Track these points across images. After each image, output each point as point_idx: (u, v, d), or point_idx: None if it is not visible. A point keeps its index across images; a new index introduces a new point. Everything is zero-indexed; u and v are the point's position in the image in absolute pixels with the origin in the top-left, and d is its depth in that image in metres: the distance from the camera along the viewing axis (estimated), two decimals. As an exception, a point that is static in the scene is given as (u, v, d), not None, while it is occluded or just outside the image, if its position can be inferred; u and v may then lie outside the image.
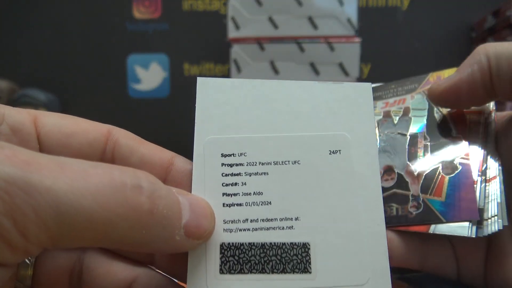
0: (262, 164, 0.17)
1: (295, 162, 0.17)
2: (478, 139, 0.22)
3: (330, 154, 0.17)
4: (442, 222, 0.21)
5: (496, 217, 0.20)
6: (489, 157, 0.22)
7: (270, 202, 0.17)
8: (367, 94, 0.18)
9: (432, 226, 0.21)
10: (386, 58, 0.81)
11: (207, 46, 0.82)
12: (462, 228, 0.20)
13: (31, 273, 0.17)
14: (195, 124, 0.17)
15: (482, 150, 0.22)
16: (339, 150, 0.18)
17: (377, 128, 0.25)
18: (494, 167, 0.21)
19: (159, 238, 0.14)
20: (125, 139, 0.18)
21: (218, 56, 0.81)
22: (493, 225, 0.20)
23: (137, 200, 0.13)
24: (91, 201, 0.12)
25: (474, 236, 0.20)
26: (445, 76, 0.25)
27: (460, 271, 0.22)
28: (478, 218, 0.20)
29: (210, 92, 0.18)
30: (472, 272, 0.22)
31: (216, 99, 0.18)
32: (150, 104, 0.83)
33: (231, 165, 0.17)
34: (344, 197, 0.17)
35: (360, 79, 0.68)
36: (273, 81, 0.18)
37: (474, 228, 0.20)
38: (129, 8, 0.83)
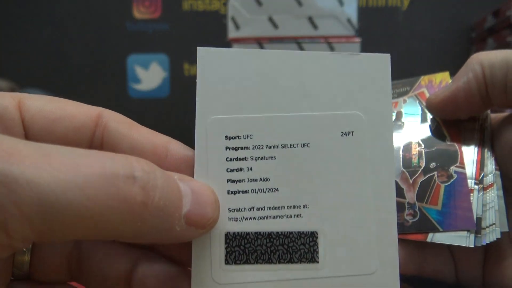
0: (269, 147, 0.16)
1: (304, 145, 0.16)
2: (474, 146, 0.22)
3: (342, 136, 0.16)
4: (438, 231, 0.21)
5: (494, 226, 0.20)
6: (486, 164, 0.22)
7: (277, 188, 0.16)
8: (385, 67, 0.17)
9: (430, 235, 0.21)
10: (386, 58, 0.81)
11: (207, 46, 0.82)
12: (460, 238, 0.20)
13: (28, 259, 0.17)
14: (197, 102, 0.16)
15: (478, 158, 0.22)
16: (352, 132, 0.16)
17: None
18: (491, 174, 0.21)
19: (156, 229, 0.13)
20: (115, 123, 0.17)
21: (218, 56, 0.81)
22: (491, 234, 0.20)
23: (129, 192, 0.12)
24: (79, 194, 0.11)
25: (472, 246, 0.20)
26: (437, 79, 0.25)
27: (459, 275, 0.22)
28: (474, 227, 0.20)
29: (212, 64, 0.16)
30: (470, 276, 0.22)
31: (219, 72, 0.16)
32: (150, 104, 0.83)
33: (236, 149, 0.16)
34: (355, 183, 0.16)
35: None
36: (282, 52, 0.17)
37: (472, 237, 0.20)
38: (129, 8, 0.83)
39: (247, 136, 0.16)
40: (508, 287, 0.20)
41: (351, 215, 0.16)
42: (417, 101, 0.25)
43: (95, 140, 0.17)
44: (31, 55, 0.83)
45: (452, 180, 0.22)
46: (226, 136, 0.16)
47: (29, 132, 0.16)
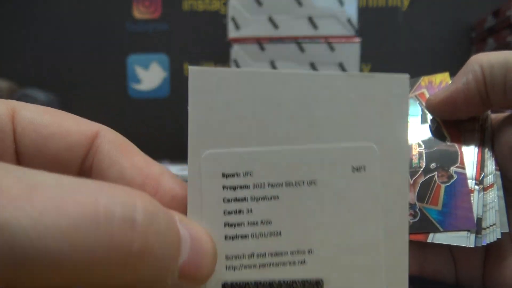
0: (272, 186, 0.14)
1: (310, 182, 0.14)
2: (474, 146, 0.22)
3: (352, 171, 0.15)
4: (439, 231, 0.21)
5: (494, 226, 0.20)
6: (486, 164, 0.22)
7: (280, 232, 0.14)
8: (402, 90, 0.15)
9: (431, 235, 0.21)
10: (386, 58, 0.81)
11: (207, 46, 0.82)
12: (460, 238, 0.20)
13: None
14: (189, 133, 0.14)
15: (479, 158, 0.22)
16: (364, 167, 0.15)
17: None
18: (491, 174, 0.21)
19: (144, 281, 0.11)
20: (109, 145, 0.15)
21: (218, 56, 0.81)
22: (491, 235, 0.20)
23: (125, 238, 0.10)
24: (60, 241, 0.09)
25: (473, 246, 0.20)
26: (437, 80, 0.25)
27: (459, 275, 0.22)
28: (475, 227, 0.20)
29: (206, 87, 0.14)
30: (470, 276, 0.22)
31: (215, 97, 0.14)
32: (150, 104, 0.83)
33: (234, 188, 0.14)
34: (365, 225, 0.15)
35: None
36: (286, 72, 0.14)
37: (473, 237, 0.20)
38: (129, 8, 0.83)
39: (247, 173, 0.14)
40: (508, 287, 0.20)
41: (360, 261, 0.15)
42: (417, 102, 0.25)
43: (86, 163, 0.15)
44: (31, 55, 0.83)
45: (452, 180, 0.22)
46: (223, 174, 0.14)
47: (20, 146, 0.15)
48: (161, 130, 0.80)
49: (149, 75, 0.83)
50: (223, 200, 0.14)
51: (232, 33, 0.65)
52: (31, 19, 0.83)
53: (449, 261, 0.22)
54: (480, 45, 0.76)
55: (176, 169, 0.60)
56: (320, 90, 0.14)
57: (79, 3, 0.83)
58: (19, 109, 0.15)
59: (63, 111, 0.16)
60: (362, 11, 0.74)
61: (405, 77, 0.15)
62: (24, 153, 0.15)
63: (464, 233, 0.20)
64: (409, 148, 0.15)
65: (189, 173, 0.14)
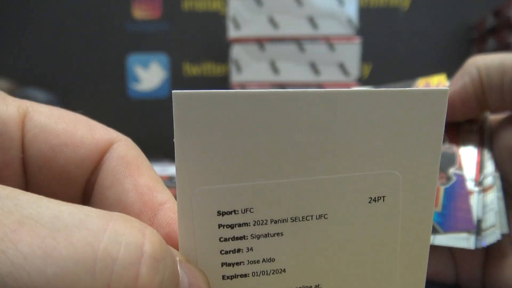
0: (275, 222, 0.12)
1: (320, 216, 0.12)
2: (473, 148, 0.22)
3: (370, 202, 0.13)
4: (439, 233, 0.21)
5: (494, 228, 0.20)
6: (485, 166, 0.22)
7: (284, 269, 0.13)
8: (440, 107, 0.12)
9: (431, 237, 0.21)
10: (386, 58, 0.81)
11: (207, 46, 0.82)
12: (460, 240, 0.20)
13: None
14: (176, 169, 0.12)
15: (478, 159, 0.22)
16: (383, 197, 0.12)
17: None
18: (491, 175, 0.21)
19: None
20: (117, 161, 0.14)
21: (218, 56, 0.81)
22: (491, 236, 0.20)
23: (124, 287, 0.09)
24: None
25: (473, 248, 0.20)
26: (434, 82, 0.25)
27: (459, 275, 0.22)
28: (474, 229, 0.20)
29: (194, 114, 0.11)
30: (471, 276, 0.22)
31: (205, 125, 0.11)
32: (150, 104, 0.83)
33: (232, 226, 0.12)
34: (380, 260, 0.13)
35: (360, 79, 0.68)
36: (289, 92, 0.12)
37: (473, 239, 0.20)
38: (129, 8, 0.83)
39: (246, 210, 0.12)
40: (508, 287, 0.20)
41: None
42: None
43: (92, 177, 0.14)
44: (31, 55, 0.83)
45: (451, 182, 0.22)
46: (218, 212, 0.12)
47: (28, 155, 0.13)
48: (161, 130, 0.80)
49: (149, 75, 0.83)
50: (220, 240, 0.12)
51: (232, 33, 0.65)
52: (31, 19, 0.83)
53: (449, 262, 0.22)
54: (480, 45, 0.76)
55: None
56: (334, 113, 0.12)
57: (79, 3, 0.82)
58: (31, 113, 0.14)
59: (77, 115, 0.15)
60: (363, 11, 0.74)
61: (444, 92, 0.12)
62: (31, 163, 0.14)
63: (464, 235, 0.20)
64: (438, 174, 0.13)
65: (179, 211, 0.12)
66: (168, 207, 0.14)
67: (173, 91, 0.11)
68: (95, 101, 0.83)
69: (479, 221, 0.20)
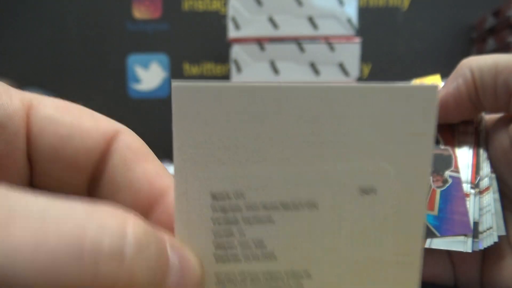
0: (267, 208, 0.13)
1: (311, 206, 0.13)
2: (469, 149, 0.22)
3: (360, 194, 0.13)
4: (436, 237, 0.21)
5: (491, 230, 0.20)
6: (481, 167, 0.21)
7: (275, 256, 0.13)
8: (430, 103, 0.13)
9: (428, 241, 0.21)
10: (386, 58, 0.81)
11: (207, 46, 0.82)
12: (457, 243, 0.20)
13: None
14: (174, 153, 0.13)
15: (474, 161, 0.22)
16: (374, 190, 0.13)
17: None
18: (487, 177, 0.21)
19: None
20: (126, 150, 0.14)
21: (218, 56, 0.81)
22: (488, 238, 0.20)
23: (111, 274, 0.09)
24: (34, 279, 0.08)
25: (470, 251, 0.20)
26: (428, 82, 0.25)
27: (457, 278, 0.22)
28: (471, 232, 0.20)
29: (194, 105, 0.13)
30: (469, 279, 0.22)
31: (203, 116, 0.13)
32: (150, 104, 0.83)
33: (225, 210, 0.13)
34: (371, 252, 0.13)
35: (360, 79, 0.68)
36: (286, 86, 0.13)
37: (470, 241, 0.20)
38: (129, 8, 0.83)
39: (239, 195, 0.13)
40: None
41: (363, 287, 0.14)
42: None
43: (99, 166, 0.15)
44: (31, 55, 0.83)
45: (447, 185, 0.21)
46: (212, 195, 0.13)
47: (34, 147, 0.14)
48: (161, 130, 0.80)
49: (149, 75, 0.83)
50: (213, 223, 0.13)
51: (232, 33, 0.65)
52: (31, 19, 0.83)
53: (447, 265, 0.22)
54: (480, 45, 0.76)
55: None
56: (326, 106, 0.13)
57: (80, 3, 0.83)
58: (36, 105, 0.14)
59: (81, 106, 0.15)
60: (362, 11, 0.74)
61: (433, 88, 0.12)
62: (39, 154, 0.14)
63: (461, 238, 0.20)
64: (430, 170, 0.13)
65: (176, 193, 0.13)
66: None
67: (173, 83, 0.12)
68: (95, 101, 0.83)
69: (476, 224, 0.20)
